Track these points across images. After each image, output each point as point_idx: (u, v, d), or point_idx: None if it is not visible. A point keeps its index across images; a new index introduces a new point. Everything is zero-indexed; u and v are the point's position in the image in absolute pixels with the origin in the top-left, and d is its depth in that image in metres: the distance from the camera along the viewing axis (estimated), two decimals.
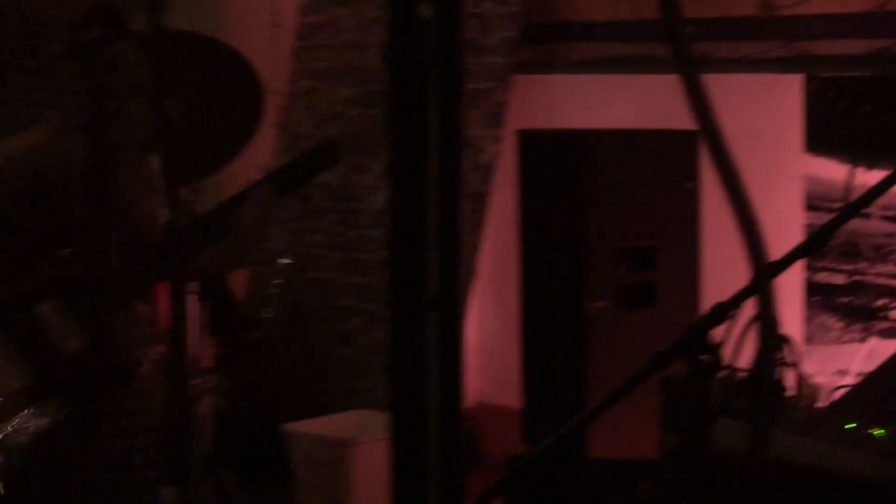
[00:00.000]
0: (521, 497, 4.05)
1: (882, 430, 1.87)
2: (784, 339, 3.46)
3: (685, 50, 0.64)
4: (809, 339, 4.66)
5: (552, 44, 5.55)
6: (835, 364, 4.55)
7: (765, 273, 1.40)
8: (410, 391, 0.74)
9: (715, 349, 1.76)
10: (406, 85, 0.71)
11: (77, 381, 2.32)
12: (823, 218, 4.58)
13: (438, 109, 0.69)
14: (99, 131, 2.53)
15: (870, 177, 4.49)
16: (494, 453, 5.45)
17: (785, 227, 4.62)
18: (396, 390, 0.76)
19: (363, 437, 4.81)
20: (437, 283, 0.70)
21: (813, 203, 4.70)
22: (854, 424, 1.89)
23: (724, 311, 1.76)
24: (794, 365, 3.31)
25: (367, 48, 5.81)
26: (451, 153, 0.71)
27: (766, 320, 1.30)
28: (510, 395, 5.17)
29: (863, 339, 4.49)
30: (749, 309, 1.68)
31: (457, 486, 0.76)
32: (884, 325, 4.45)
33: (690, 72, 0.61)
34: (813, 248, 2.02)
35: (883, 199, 4.34)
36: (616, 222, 4.25)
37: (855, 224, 4.49)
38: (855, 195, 4.53)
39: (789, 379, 3.51)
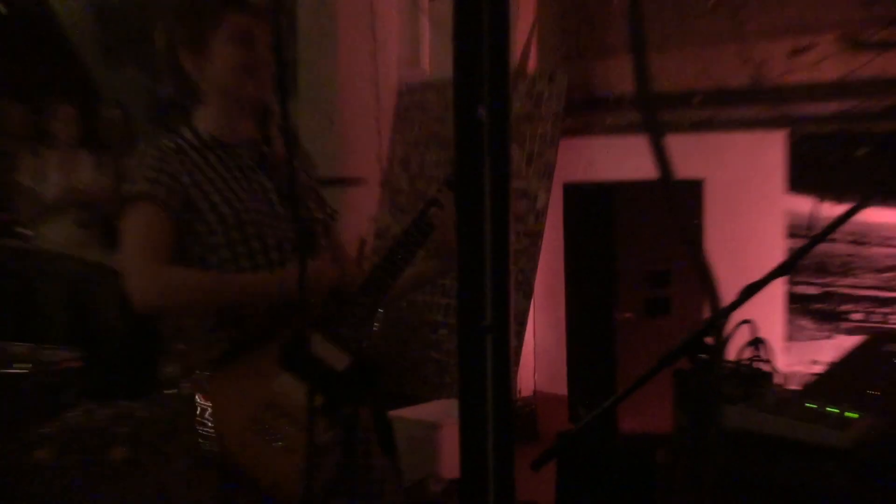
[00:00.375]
0: (567, 462, 4.13)
1: (838, 409, 1.88)
2: (760, 340, 3.99)
3: (653, 118, 0.79)
4: (790, 338, 5.06)
5: (590, 113, 5.90)
6: (808, 356, 4.91)
7: (745, 293, 1.81)
8: (475, 388, 0.87)
9: (710, 348, 2.13)
10: (468, 164, 0.84)
11: (348, 396, 2.29)
12: (801, 243, 5.03)
13: (491, 182, 0.83)
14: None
15: (837, 210, 4.68)
16: (548, 430, 5.74)
17: (769, 251, 5.07)
18: (465, 388, 0.89)
19: (448, 420, 5.08)
20: (492, 313, 0.82)
21: (793, 231, 5.06)
22: (815, 405, 1.91)
23: (715, 320, 2.09)
24: (767, 360, 3.70)
25: (448, 122, 6.40)
26: (502, 217, 0.84)
27: (717, 330, 1.61)
28: (559, 385, 5.37)
29: (830, 337, 4.89)
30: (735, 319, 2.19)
31: (508, 456, 0.89)
32: (847, 325, 4.81)
33: (657, 135, 0.76)
34: (786, 269, 2.08)
35: (847, 227, 5.04)
36: (640, 251, 4.41)
37: (824, 247, 4.79)
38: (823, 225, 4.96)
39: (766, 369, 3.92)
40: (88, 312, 5.78)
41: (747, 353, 2.42)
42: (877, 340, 2.70)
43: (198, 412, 2.22)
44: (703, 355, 1.99)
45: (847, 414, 1.86)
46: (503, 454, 0.91)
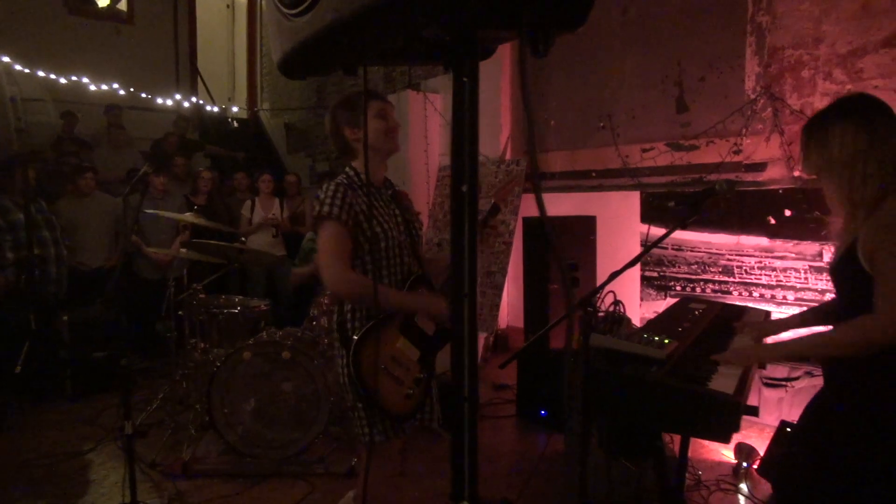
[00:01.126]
0: (522, 364, 4.14)
1: (660, 337, 1.81)
2: (619, 301, 3.94)
3: (538, 189, 1.02)
4: (642, 300, 4.96)
5: (540, 180, 6.03)
6: (652, 310, 4.83)
7: (611, 276, 1.95)
8: (459, 328, 0.83)
9: (591, 305, 2.07)
10: (457, 214, 0.82)
11: (437, 345, 2.14)
12: (651, 251, 5.11)
13: (469, 221, 0.81)
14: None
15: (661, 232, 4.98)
16: (513, 346, 5.83)
17: (630, 253, 5.11)
18: (455, 326, 0.84)
19: None
20: (467, 286, 0.76)
21: (643, 243, 4.88)
22: (647, 335, 1.82)
23: (596, 292, 2.05)
24: (623, 312, 3.71)
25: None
26: (472, 241, 0.82)
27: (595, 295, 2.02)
28: (519, 322, 5.24)
29: (664, 299, 4.79)
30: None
31: (474, 373, 0.82)
32: (672, 293, 4.72)
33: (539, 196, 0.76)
34: (631, 265, 1.96)
35: (670, 241, 4.99)
36: (561, 251, 4.16)
37: (660, 252, 4.75)
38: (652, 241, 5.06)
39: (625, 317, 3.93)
40: (275, 282, 5.91)
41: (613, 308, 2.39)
42: (685, 300, 2.61)
43: (345, 353, 2.05)
44: (589, 308, 1.96)
45: (665, 340, 1.78)
46: (472, 361, 0.88)
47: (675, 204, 1.90)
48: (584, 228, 4.46)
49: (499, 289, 5.61)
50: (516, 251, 5.25)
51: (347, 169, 2.17)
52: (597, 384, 1.62)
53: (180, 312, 4.15)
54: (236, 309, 4.08)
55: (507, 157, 6.09)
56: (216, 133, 8.84)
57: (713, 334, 2.05)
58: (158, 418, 3.99)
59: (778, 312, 4.06)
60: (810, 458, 1.68)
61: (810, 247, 4.04)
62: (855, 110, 1.60)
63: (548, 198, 4.94)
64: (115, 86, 7.81)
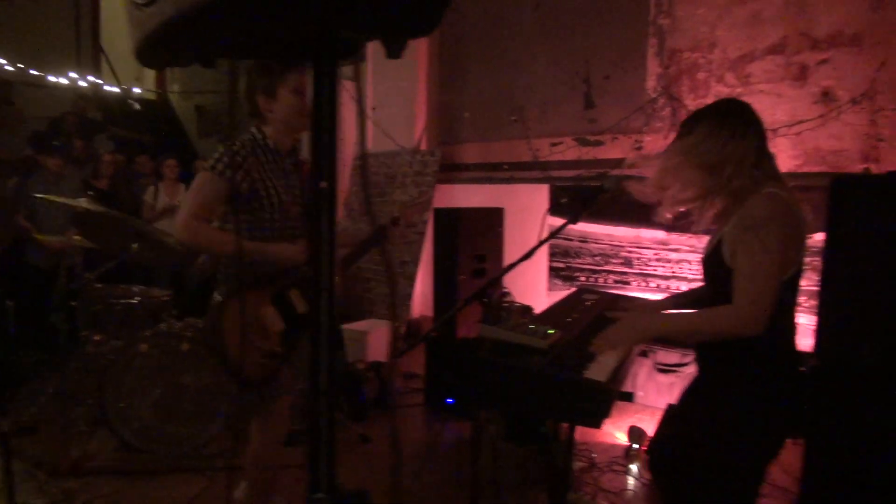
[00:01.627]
0: (431, 349, 4.12)
1: (545, 328, 1.83)
2: (508, 293, 3.99)
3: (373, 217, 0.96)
4: (550, 290, 5.10)
5: (450, 172, 5.84)
6: (557, 299, 5.16)
7: (505, 269, 1.99)
8: (317, 325, 0.80)
9: (487, 296, 2.08)
10: (315, 211, 0.79)
11: (305, 325, 2.04)
12: (555, 241, 4.96)
13: (327, 218, 0.79)
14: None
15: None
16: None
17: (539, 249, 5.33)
18: (314, 325, 0.81)
19: (371, 330, 4.81)
20: (326, 280, 0.77)
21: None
22: (534, 326, 1.84)
23: (491, 283, 2.09)
24: (513, 302, 3.75)
25: (379, 174, 6.53)
26: (331, 232, 0.80)
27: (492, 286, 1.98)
28: (429, 311, 5.41)
29: (570, 288, 4.74)
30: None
31: (331, 367, 0.81)
32: (577, 283, 4.90)
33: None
34: (526, 258, 2.11)
35: (576, 232, 5.16)
36: (470, 242, 4.23)
37: (566, 243, 4.94)
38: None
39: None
40: (178, 271, 5.68)
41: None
42: (580, 290, 2.71)
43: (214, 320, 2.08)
44: (485, 300, 1.99)
45: (549, 330, 1.82)
46: (331, 355, 0.89)
47: (568, 200, 1.97)
48: (492, 220, 4.53)
49: (411, 279, 5.63)
50: (428, 241, 5.27)
51: (254, 129, 2.15)
52: (484, 373, 1.67)
53: (73, 303, 3.93)
54: (135, 299, 3.91)
55: (423, 147, 6.09)
56: (121, 114, 8.38)
57: (599, 325, 2.13)
58: (48, 415, 3.77)
59: None
60: (680, 437, 1.81)
61: (702, 240, 4.27)
62: (719, 113, 1.68)
63: (460, 189, 4.95)
64: (2, 61, 7.26)
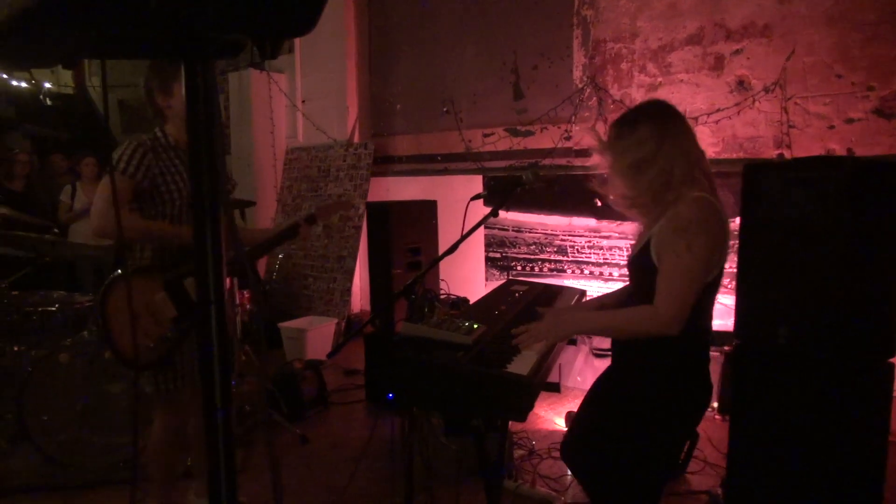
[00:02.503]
0: (370, 351, 4.10)
1: (470, 323, 1.84)
2: (429, 290, 3.95)
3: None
4: (487, 280, 5.08)
5: (384, 165, 5.80)
6: None
7: (432, 262, 1.96)
8: (207, 341, 0.75)
9: (414, 292, 2.11)
10: (198, 221, 0.75)
11: (192, 316, 2.15)
12: (490, 231, 5.01)
13: (212, 232, 0.74)
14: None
15: (510, 215, 4.92)
16: (366, 330, 6.00)
17: (475, 238, 5.19)
18: (203, 341, 0.76)
19: (311, 328, 4.92)
20: (214, 295, 0.73)
21: (486, 226, 4.97)
22: (458, 321, 1.86)
23: (416, 280, 2.04)
24: (436, 297, 3.73)
25: (311, 168, 6.43)
26: (216, 230, 0.75)
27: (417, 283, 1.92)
28: (367, 306, 5.50)
29: (507, 278, 4.91)
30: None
31: (226, 383, 0.76)
32: (513, 273, 4.91)
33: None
34: (451, 251, 2.04)
35: (511, 222, 5.19)
36: (403, 236, 4.25)
37: (502, 233, 4.93)
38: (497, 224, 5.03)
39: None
40: (103, 275, 5.43)
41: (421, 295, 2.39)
42: (509, 282, 2.70)
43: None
44: (413, 296, 1.97)
45: (475, 325, 1.82)
46: (225, 371, 0.83)
47: (488, 193, 1.95)
48: (425, 212, 4.53)
49: (349, 273, 5.56)
50: (363, 234, 5.22)
51: (156, 130, 2.22)
52: (407, 372, 1.66)
53: None
54: (54, 307, 3.69)
55: (356, 139, 6.00)
56: (36, 110, 7.92)
57: (525, 317, 2.13)
58: None
59: (605, 288, 4.37)
60: (591, 426, 1.87)
61: (631, 226, 4.36)
62: (651, 115, 1.69)
63: (395, 181, 4.90)
64: None
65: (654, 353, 1.69)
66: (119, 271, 2.19)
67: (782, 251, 2.40)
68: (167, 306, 2.15)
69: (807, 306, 2.35)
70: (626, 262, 1.90)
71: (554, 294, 2.63)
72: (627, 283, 1.95)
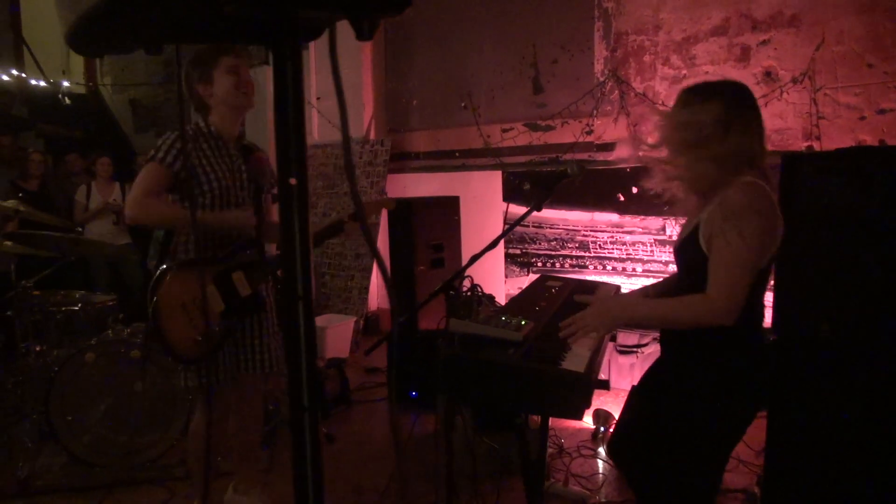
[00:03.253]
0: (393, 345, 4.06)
1: (517, 319, 1.80)
2: (478, 285, 3.93)
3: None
4: (507, 276, 5.07)
5: (402, 161, 5.75)
6: (516, 286, 4.95)
7: (472, 259, 1.92)
8: (295, 338, 0.73)
9: (455, 288, 2.08)
10: (287, 208, 0.73)
11: (246, 309, 2.19)
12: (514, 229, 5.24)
13: (299, 213, 0.72)
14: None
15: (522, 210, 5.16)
16: (385, 328, 5.73)
17: (495, 232, 5.17)
18: (289, 338, 0.74)
19: (330, 325, 4.86)
20: (302, 290, 0.71)
21: (506, 221, 5.20)
22: (505, 317, 1.81)
23: (457, 275, 2.00)
24: (483, 294, 3.70)
25: (327, 166, 6.40)
26: (304, 229, 0.73)
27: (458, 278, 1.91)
28: (387, 304, 5.39)
29: (527, 275, 4.94)
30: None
31: (314, 381, 0.75)
32: (534, 269, 4.89)
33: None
34: (491, 247, 1.97)
35: (532, 219, 5.15)
36: (426, 232, 4.14)
37: (523, 230, 4.89)
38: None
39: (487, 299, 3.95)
40: (121, 273, 5.45)
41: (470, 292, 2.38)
42: (543, 278, 2.65)
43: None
44: (452, 291, 1.94)
45: (523, 321, 1.79)
46: (312, 369, 0.80)
47: (531, 186, 1.89)
48: (448, 209, 4.46)
49: (367, 271, 5.53)
50: (383, 231, 5.15)
51: (198, 120, 2.22)
52: (459, 369, 1.61)
53: (9, 313, 3.67)
54: (76, 306, 3.68)
55: (372, 136, 5.97)
56: (50, 110, 7.92)
57: (567, 312, 2.10)
58: None
59: (629, 284, 4.33)
60: (644, 422, 1.80)
61: (654, 221, 4.33)
62: (725, 93, 1.62)
63: (412, 178, 4.87)
64: None
65: (708, 346, 1.63)
66: (165, 266, 2.16)
67: (823, 244, 2.33)
68: (216, 300, 2.14)
69: (850, 300, 2.29)
70: (672, 250, 1.84)
71: (590, 289, 2.58)
72: (672, 272, 1.91)
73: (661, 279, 2.12)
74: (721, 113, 1.57)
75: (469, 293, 2.06)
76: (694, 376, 1.66)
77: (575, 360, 1.57)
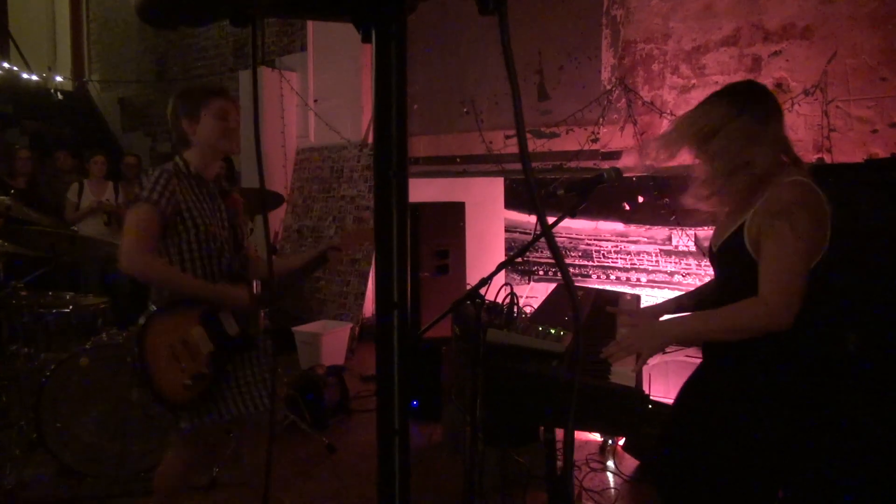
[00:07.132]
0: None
1: (556, 329, 1.77)
2: (515, 294, 3.90)
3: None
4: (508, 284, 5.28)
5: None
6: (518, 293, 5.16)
7: (499, 266, 1.86)
8: (388, 351, 0.69)
9: (479, 297, 1.99)
10: (383, 203, 0.68)
11: (235, 348, 2.14)
12: (512, 235, 4.98)
13: (398, 212, 0.67)
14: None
15: (532, 218, 4.81)
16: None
17: (497, 238, 4.97)
18: (382, 351, 0.70)
19: (325, 332, 4.81)
20: (398, 296, 0.67)
21: (507, 228, 4.98)
22: (541, 328, 1.78)
23: (483, 283, 1.92)
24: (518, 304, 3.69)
25: (323, 169, 6.32)
26: (402, 230, 0.68)
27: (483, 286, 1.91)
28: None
29: (528, 283, 4.86)
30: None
31: (404, 403, 0.71)
32: (535, 277, 4.83)
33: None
34: (520, 254, 1.97)
35: (533, 228, 5.11)
36: (431, 238, 4.10)
37: (524, 238, 4.82)
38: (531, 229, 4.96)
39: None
40: (112, 275, 5.31)
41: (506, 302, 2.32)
42: (562, 287, 2.59)
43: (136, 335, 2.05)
44: (478, 300, 1.86)
45: (562, 332, 1.74)
46: (403, 389, 0.72)
47: (565, 192, 1.85)
48: (453, 215, 4.37)
49: (364, 277, 5.44)
50: None
51: (177, 158, 2.16)
52: (497, 381, 1.54)
53: None
54: (68, 308, 3.55)
55: (370, 140, 5.89)
56: (35, 106, 7.73)
57: (597, 322, 2.04)
58: None
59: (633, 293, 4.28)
60: (688, 438, 1.70)
61: (660, 231, 4.30)
62: (734, 91, 1.60)
63: (412, 183, 4.80)
64: None
65: (760, 354, 1.52)
66: (154, 308, 2.09)
67: (851, 255, 2.29)
68: (204, 342, 2.08)
69: (878, 313, 2.27)
70: (709, 254, 1.78)
71: (612, 298, 2.53)
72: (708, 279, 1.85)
73: (697, 287, 2.06)
74: (729, 106, 1.56)
75: (507, 301, 1.96)
76: (741, 395, 1.57)
77: (623, 374, 1.50)
